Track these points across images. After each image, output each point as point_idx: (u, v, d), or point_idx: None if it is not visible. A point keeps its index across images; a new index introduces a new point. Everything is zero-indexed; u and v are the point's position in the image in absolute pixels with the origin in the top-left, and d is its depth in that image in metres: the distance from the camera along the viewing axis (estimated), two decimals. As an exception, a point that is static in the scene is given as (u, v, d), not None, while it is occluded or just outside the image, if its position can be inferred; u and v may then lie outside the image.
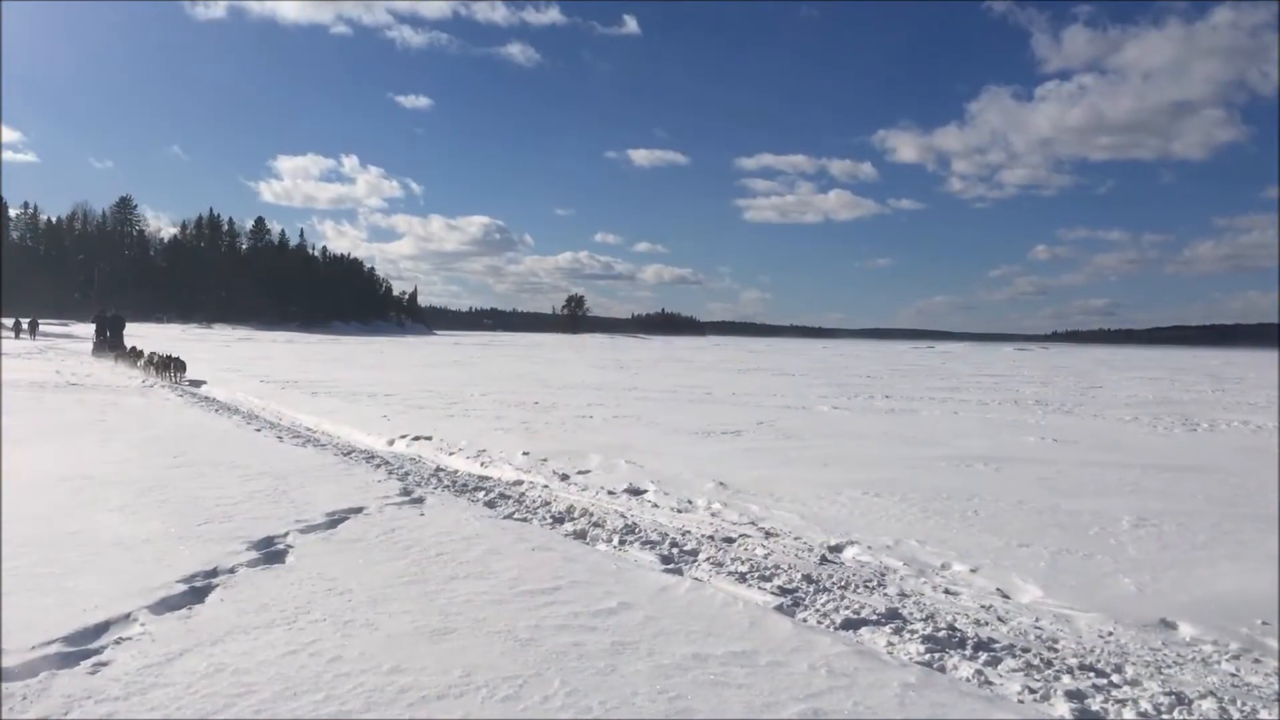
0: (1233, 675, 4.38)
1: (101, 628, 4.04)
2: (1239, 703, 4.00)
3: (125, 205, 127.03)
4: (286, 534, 5.89)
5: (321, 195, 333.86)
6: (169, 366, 22.31)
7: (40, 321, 59.10)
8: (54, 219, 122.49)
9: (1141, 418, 17.22)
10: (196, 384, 20.89)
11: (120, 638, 3.95)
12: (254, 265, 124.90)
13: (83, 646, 3.82)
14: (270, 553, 5.44)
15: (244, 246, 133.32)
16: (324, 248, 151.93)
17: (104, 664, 3.66)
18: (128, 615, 4.20)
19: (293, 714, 3.25)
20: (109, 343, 33.86)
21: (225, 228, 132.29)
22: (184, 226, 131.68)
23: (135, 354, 27.44)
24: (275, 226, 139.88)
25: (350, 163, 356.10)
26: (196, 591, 4.63)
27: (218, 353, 34.45)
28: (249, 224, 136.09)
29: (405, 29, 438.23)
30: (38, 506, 6.47)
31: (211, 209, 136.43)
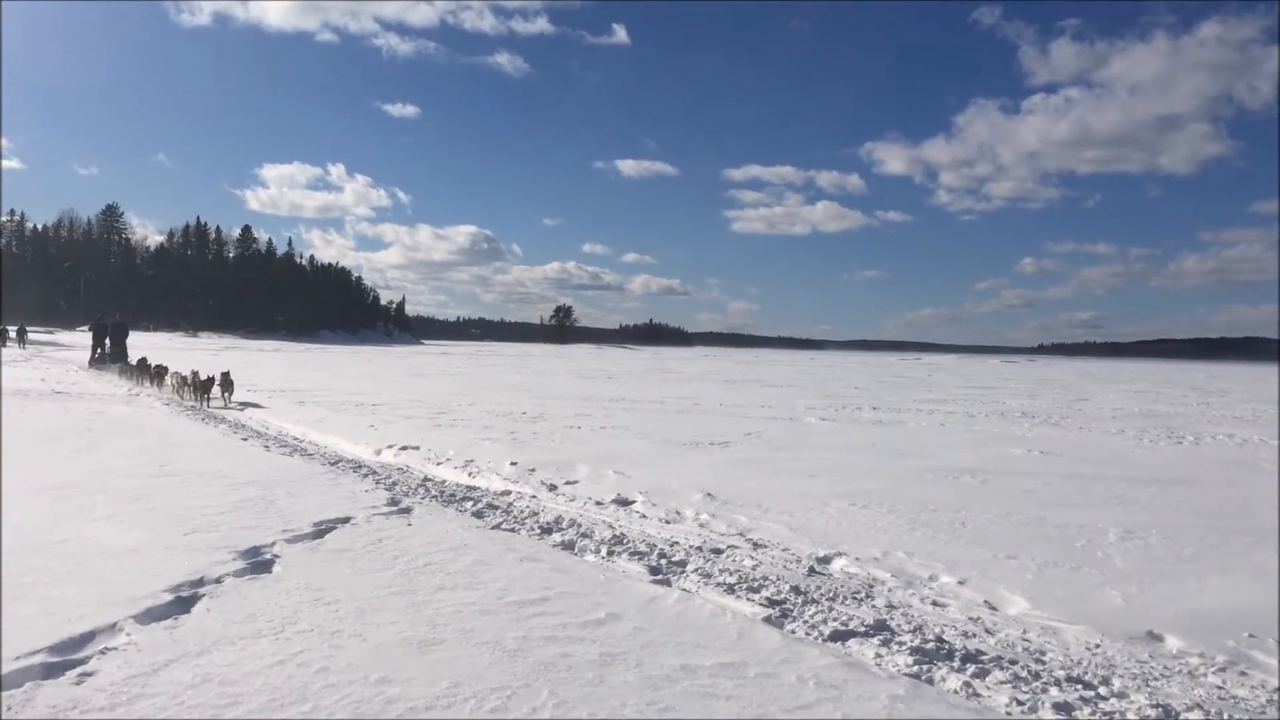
0: (1219, 688, 4.39)
1: (87, 637, 4.02)
2: (1225, 715, 4.02)
3: (112, 213, 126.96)
4: (273, 544, 5.86)
5: (308, 203, 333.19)
6: (207, 388, 17.96)
7: (28, 329, 58.82)
8: (40, 226, 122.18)
9: (1128, 430, 17.28)
10: (243, 406, 17.70)
11: (106, 648, 3.92)
12: (241, 274, 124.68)
13: (68, 656, 3.80)
14: (257, 563, 5.41)
15: (231, 255, 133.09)
16: (311, 256, 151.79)
17: (89, 674, 3.63)
18: (113, 625, 4.17)
19: (280, 725, 3.23)
20: (111, 354, 29.79)
21: (212, 236, 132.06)
22: (171, 234, 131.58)
23: (146, 369, 22.87)
24: (262, 235, 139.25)
25: (337, 171, 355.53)
26: (183, 601, 4.60)
27: (205, 362, 34.18)
28: (236, 232, 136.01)
29: (392, 37, 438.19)
30: (23, 516, 6.42)
31: (199, 217, 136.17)
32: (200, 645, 3.97)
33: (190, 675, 3.63)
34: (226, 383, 18.11)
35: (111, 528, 6.20)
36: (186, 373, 19.29)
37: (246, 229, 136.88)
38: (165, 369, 21.56)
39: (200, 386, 18.10)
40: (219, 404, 17.75)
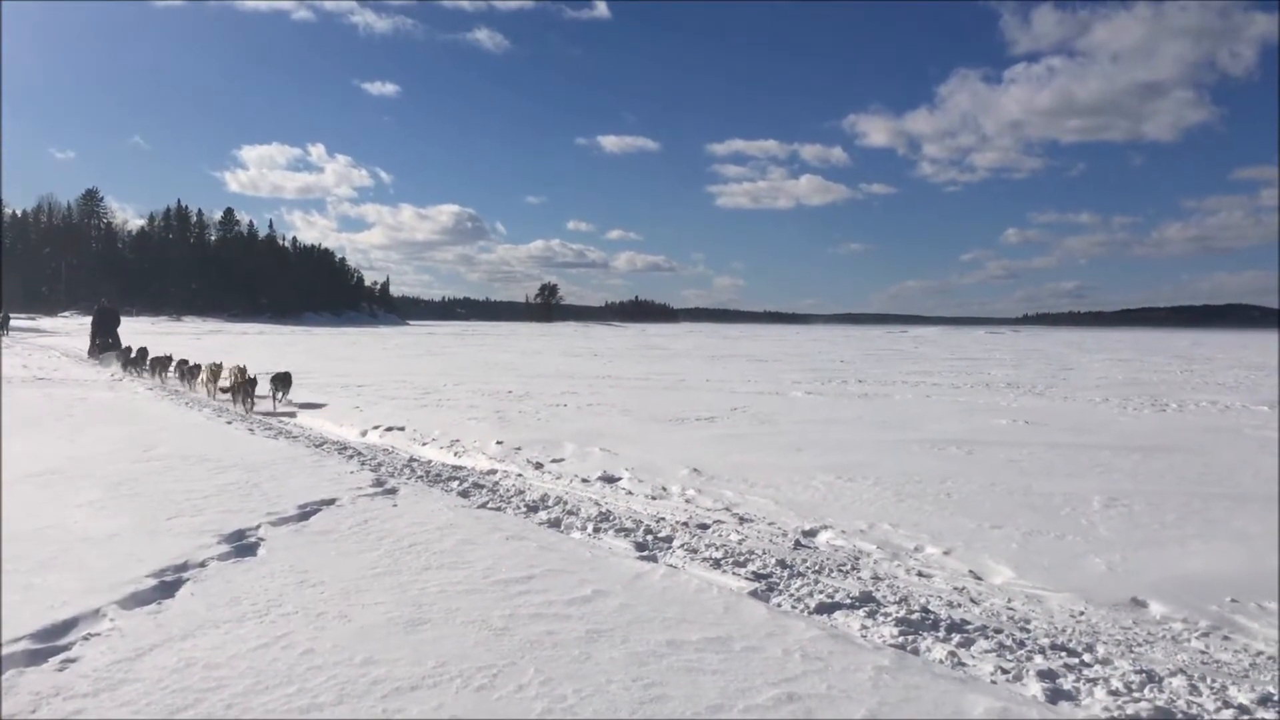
0: (1202, 653, 4.43)
1: (70, 624, 3.99)
2: (1209, 680, 4.04)
3: (91, 197, 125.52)
4: (258, 527, 5.84)
5: (289, 185, 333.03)
6: (251, 389, 14.22)
7: (11, 316, 58.28)
8: (19, 212, 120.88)
9: (1111, 399, 17.36)
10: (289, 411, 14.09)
11: (89, 633, 3.90)
12: (224, 257, 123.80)
13: (51, 643, 3.77)
14: (241, 546, 5.39)
15: (213, 238, 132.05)
16: (294, 238, 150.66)
17: (72, 660, 3.61)
18: (97, 611, 4.15)
19: (264, 707, 3.22)
20: (102, 344, 26.71)
21: (194, 219, 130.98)
22: (151, 218, 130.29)
23: (155, 361, 19.83)
24: (244, 217, 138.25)
25: (317, 151, 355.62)
26: (167, 586, 4.58)
27: (189, 346, 33.62)
28: (217, 215, 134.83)
29: (369, 13, 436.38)
30: (5, 503, 6.37)
31: (179, 200, 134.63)
32: (184, 629, 3.95)
33: (174, 659, 3.61)
34: (284, 380, 14.70)
35: (95, 513, 6.16)
36: (227, 370, 15.66)
37: (228, 211, 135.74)
38: (189, 363, 18.30)
39: (243, 387, 14.33)
40: (244, 406, 14.26)
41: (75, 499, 6.62)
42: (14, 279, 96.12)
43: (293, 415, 13.81)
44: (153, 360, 20.39)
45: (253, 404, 14.13)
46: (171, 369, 19.24)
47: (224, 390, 15.51)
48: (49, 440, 9.77)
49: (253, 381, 14.35)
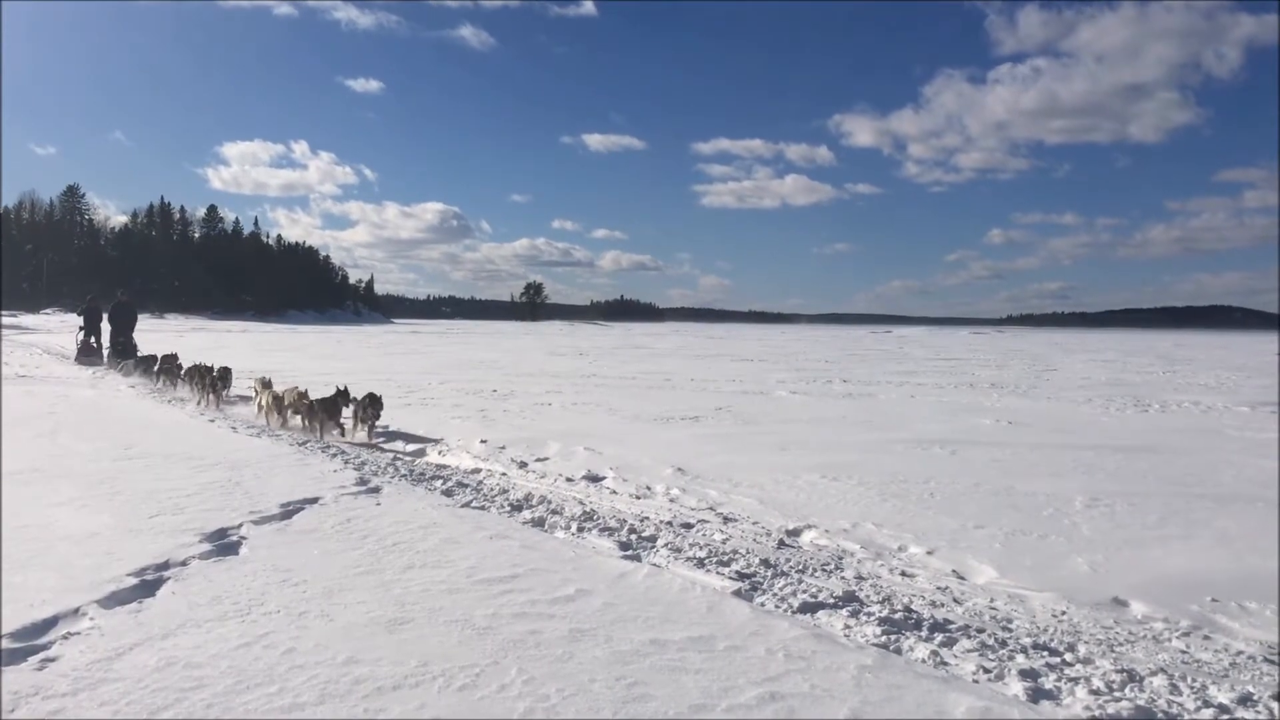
0: (1183, 652, 4.45)
1: (50, 623, 3.97)
2: (1189, 679, 4.06)
3: (73, 194, 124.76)
4: (240, 525, 5.81)
5: (272, 182, 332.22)
6: (335, 412, 11.17)
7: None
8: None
9: (1094, 399, 17.45)
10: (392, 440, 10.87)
11: (69, 632, 3.88)
12: (207, 254, 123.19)
13: (30, 642, 3.75)
14: (223, 544, 5.37)
15: (196, 235, 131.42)
16: (278, 236, 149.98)
17: (52, 659, 3.59)
18: (77, 610, 4.13)
19: (246, 707, 3.20)
20: (115, 347, 23.54)
21: (177, 216, 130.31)
22: (134, 215, 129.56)
23: (188, 372, 15.92)
24: (227, 214, 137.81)
25: (300, 148, 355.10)
26: (147, 585, 4.55)
27: (171, 344, 33.26)
28: (200, 212, 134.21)
29: (352, 9, 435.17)
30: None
31: (162, 197, 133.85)
32: (165, 628, 3.92)
33: (155, 659, 3.59)
34: (374, 404, 11.00)
35: (75, 512, 6.12)
36: (306, 400, 11.71)
37: (212, 208, 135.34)
38: (224, 373, 14.90)
39: (320, 407, 11.33)
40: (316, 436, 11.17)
41: (56, 497, 6.58)
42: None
43: (390, 444, 10.70)
44: (189, 370, 16.34)
45: (343, 431, 11.22)
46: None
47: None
48: (30, 438, 9.70)
49: (337, 399, 11.25)
